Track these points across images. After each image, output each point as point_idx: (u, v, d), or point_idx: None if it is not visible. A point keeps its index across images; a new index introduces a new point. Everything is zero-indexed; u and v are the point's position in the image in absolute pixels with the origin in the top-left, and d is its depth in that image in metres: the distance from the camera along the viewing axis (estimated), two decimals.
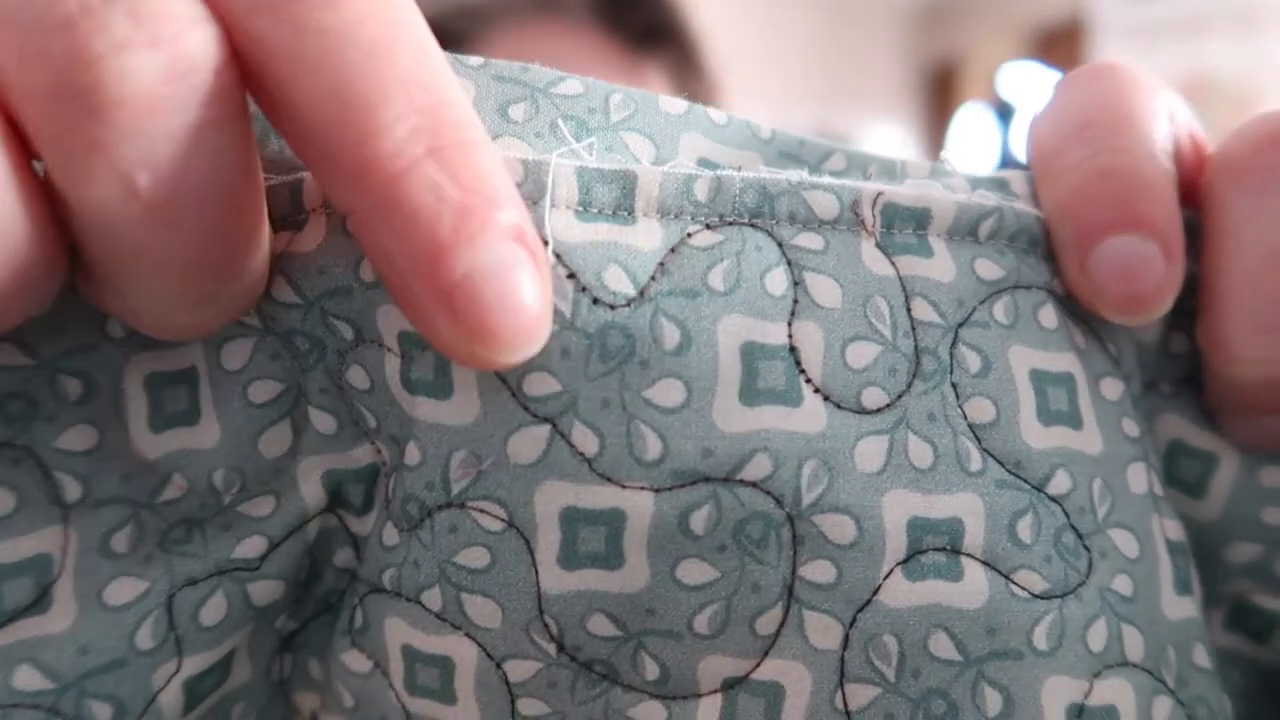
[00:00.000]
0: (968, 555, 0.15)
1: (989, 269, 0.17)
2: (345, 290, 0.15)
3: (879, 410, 0.15)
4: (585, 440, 0.14)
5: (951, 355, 0.16)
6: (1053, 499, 0.16)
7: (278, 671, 0.18)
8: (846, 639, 0.15)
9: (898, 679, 0.15)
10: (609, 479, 0.15)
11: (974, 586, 0.15)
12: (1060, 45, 2.50)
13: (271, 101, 0.13)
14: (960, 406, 0.16)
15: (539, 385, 0.14)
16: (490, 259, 0.12)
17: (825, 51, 2.80)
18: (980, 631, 0.15)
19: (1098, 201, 0.16)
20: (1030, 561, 0.16)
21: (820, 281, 0.16)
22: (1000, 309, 0.17)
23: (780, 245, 0.16)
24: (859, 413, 0.15)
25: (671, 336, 0.15)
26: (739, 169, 0.16)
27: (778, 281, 0.15)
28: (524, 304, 0.12)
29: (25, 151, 0.12)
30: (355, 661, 0.17)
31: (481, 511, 0.15)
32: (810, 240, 0.16)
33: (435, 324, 0.12)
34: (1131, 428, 0.18)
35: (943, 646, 0.15)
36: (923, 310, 0.16)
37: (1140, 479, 0.17)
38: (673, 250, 0.15)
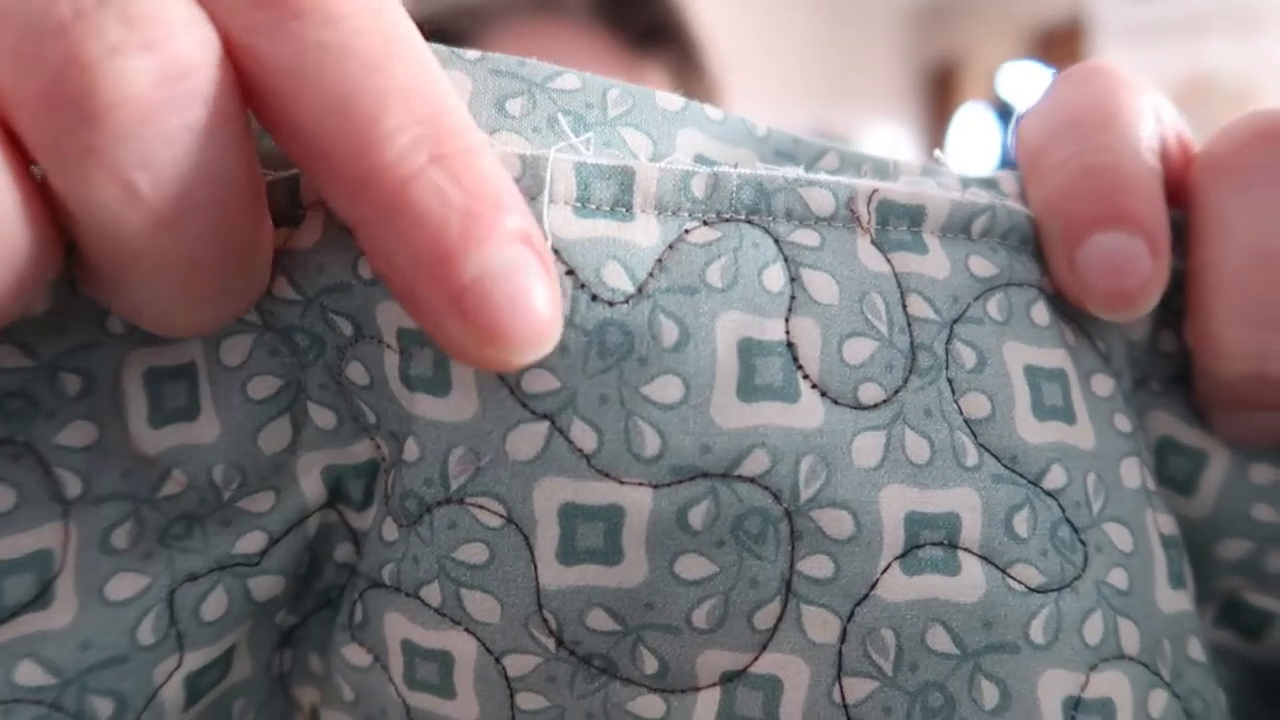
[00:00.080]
0: (965, 549, 0.15)
1: (982, 266, 0.17)
2: (344, 286, 0.15)
3: (876, 406, 0.16)
4: (584, 437, 0.15)
5: (947, 351, 0.16)
6: (1048, 493, 0.16)
7: (278, 666, 0.18)
8: (844, 633, 0.15)
9: (895, 672, 0.15)
10: (607, 475, 0.15)
11: (971, 580, 0.15)
12: (1060, 45, 2.50)
13: (273, 116, 0.13)
14: (956, 402, 0.16)
15: (537, 382, 0.15)
16: (499, 262, 0.12)
17: (825, 51, 2.80)
18: (977, 625, 0.15)
19: (1084, 198, 0.17)
20: (1027, 555, 0.16)
21: (817, 278, 0.16)
22: (994, 305, 0.17)
23: (777, 242, 0.16)
24: (856, 408, 0.15)
25: (670, 333, 0.15)
26: (735, 166, 0.16)
27: (775, 278, 0.15)
28: (534, 306, 0.12)
29: (22, 156, 0.12)
30: (355, 656, 0.17)
31: (480, 507, 0.15)
32: (807, 237, 0.16)
33: (445, 327, 0.13)
34: (1124, 423, 0.18)
35: (940, 640, 0.15)
36: (918, 306, 0.16)
37: (1133, 474, 0.17)
38: (671, 247, 0.15)
